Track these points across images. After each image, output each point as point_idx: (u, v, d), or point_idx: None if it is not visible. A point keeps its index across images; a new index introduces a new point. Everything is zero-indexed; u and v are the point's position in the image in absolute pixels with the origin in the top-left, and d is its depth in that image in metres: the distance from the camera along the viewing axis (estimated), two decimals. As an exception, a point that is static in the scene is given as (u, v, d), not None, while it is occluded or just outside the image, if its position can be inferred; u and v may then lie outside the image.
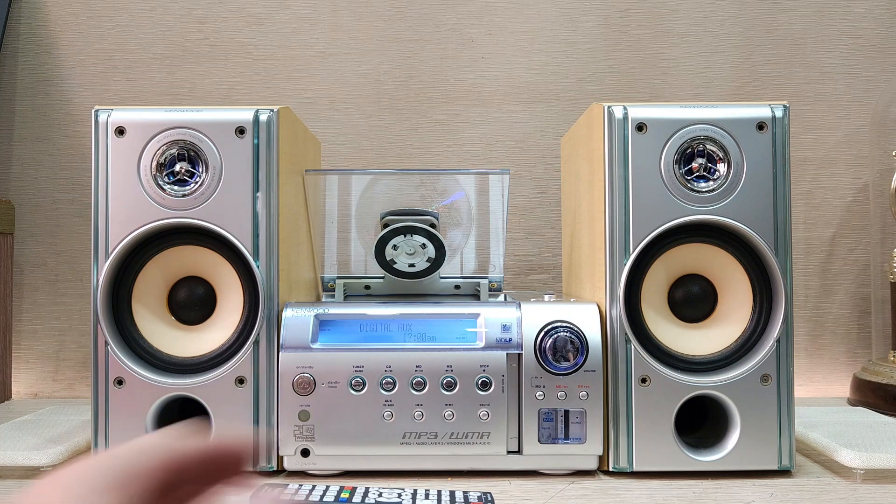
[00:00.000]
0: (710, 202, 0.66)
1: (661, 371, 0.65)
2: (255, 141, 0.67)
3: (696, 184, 0.66)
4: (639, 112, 0.67)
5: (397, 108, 1.10)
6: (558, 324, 0.66)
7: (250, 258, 0.66)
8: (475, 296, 0.85)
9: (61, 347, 1.09)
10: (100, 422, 0.66)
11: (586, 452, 0.66)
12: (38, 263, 1.09)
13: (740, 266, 0.67)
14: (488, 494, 0.56)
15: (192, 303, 0.69)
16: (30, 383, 1.09)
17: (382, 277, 0.85)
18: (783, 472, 0.66)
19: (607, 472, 0.66)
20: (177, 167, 0.67)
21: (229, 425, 0.66)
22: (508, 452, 0.66)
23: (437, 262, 0.83)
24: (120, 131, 0.66)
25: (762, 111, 0.67)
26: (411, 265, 0.84)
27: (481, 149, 1.10)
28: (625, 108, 0.67)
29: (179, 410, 0.68)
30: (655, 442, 0.65)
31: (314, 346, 0.66)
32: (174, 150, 0.67)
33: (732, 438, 0.65)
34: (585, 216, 0.76)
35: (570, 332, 0.65)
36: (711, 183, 0.66)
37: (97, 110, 0.67)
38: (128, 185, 0.66)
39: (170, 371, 0.66)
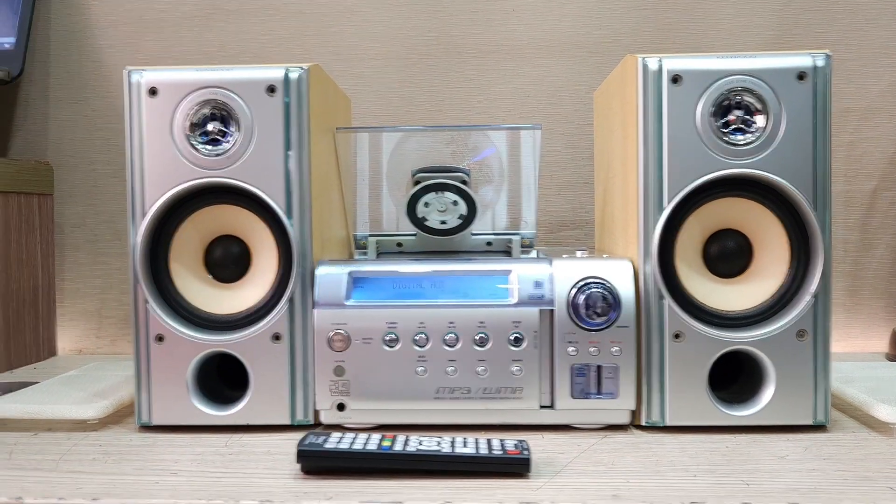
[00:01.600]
0: (747, 155, 0.65)
1: (694, 326, 0.65)
2: (286, 99, 0.67)
3: (732, 137, 0.65)
4: (674, 63, 0.65)
5: (427, 63, 1.09)
6: (591, 280, 0.66)
7: (283, 216, 0.67)
8: (507, 252, 0.85)
9: (103, 305, 1.12)
10: (142, 377, 0.68)
11: (619, 407, 0.66)
12: (77, 224, 1.12)
13: (777, 220, 0.66)
14: (524, 442, 0.57)
15: (228, 261, 0.70)
16: (74, 340, 1.12)
17: (414, 235, 0.86)
18: (818, 427, 0.66)
19: (640, 427, 0.67)
20: (209, 126, 0.67)
21: (267, 379, 0.67)
22: (541, 407, 0.67)
23: (468, 219, 0.83)
24: (152, 91, 0.67)
25: (803, 60, 0.65)
26: (443, 222, 0.84)
27: (512, 104, 1.09)
28: (660, 60, 0.65)
29: (218, 366, 0.70)
30: (688, 397, 0.65)
31: (348, 303, 0.67)
32: (206, 110, 0.67)
33: (767, 393, 0.65)
34: (619, 171, 0.75)
35: (603, 288, 0.65)
36: (749, 136, 0.65)
37: (129, 70, 0.68)
38: (162, 146, 0.67)
39: (208, 328, 0.68)
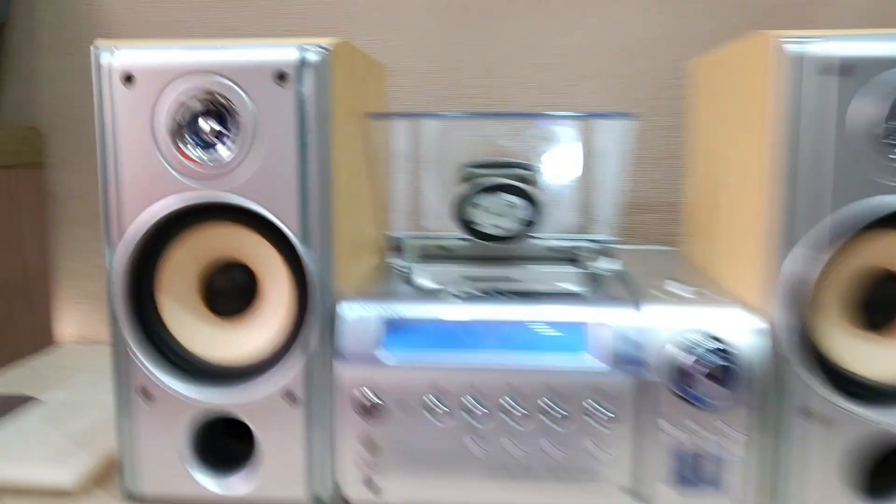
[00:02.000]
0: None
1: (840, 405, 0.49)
2: (300, 88, 0.50)
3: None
4: (831, 47, 0.47)
5: (473, 16, 0.90)
6: (704, 340, 0.50)
7: (298, 244, 0.51)
8: (573, 259, 0.69)
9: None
10: (126, 440, 0.54)
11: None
12: (76, 194, 0.97)
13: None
14: None
15: (231, 291, 0.55)
16: (76, 325, 1.00)
17: (462, 239, 0.70)
18: None
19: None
20: (201, 124, 0.51)
21: (279, 447, 0.53)
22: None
23: (529, 224, 0.67)
24: (128, 79, 0.51)
25: None
26: (496, 226, 0.68)
27: (580, 58, 0.90)
28: (802, 43, 0.47)
29: (222, 427, 0.56)
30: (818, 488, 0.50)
31: (378, 355, 0.52)
32: (197, 105, 0.51)
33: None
34: (735, 168, 0.58)
35: (720, 356, 0.49)
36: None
37: (98, 49, 0.52)
38: (142, 149, 0.51)
39: (206, 379, 0.54)
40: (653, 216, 0.92)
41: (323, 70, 0.50)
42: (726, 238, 0.59)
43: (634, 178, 0.91)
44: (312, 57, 0.50)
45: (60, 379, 0.79)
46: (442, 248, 0.71)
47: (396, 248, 0.72)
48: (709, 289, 0.56)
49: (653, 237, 0.92)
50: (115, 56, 0.51)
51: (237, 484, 0.54)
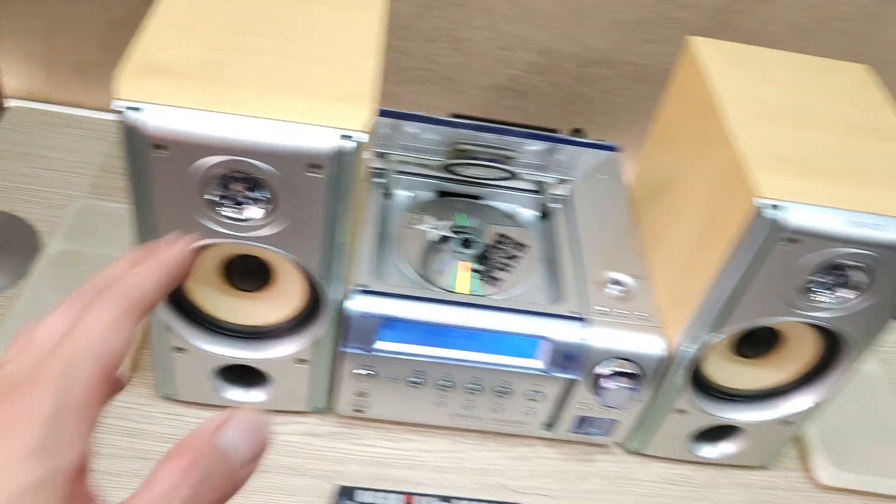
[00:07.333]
0: None
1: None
2: (336, 173, 0.53)
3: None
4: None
5: None
6: (623, 369, 0.66)
7: (320, 281, 0.60)
8: (538, 191, 0.79)
9: (51, 52, 0.95)
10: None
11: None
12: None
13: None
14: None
15: (249, 271, 0.64)
16: (21, 81, 0.98)
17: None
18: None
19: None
20: (232, 187, 0.54)
21: (286, 385, 0.69)
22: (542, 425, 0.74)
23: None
24: (158, 146, 0.51)
25: None
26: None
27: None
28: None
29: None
30: (668, 439, 0.74)
31: (376, 346, 0.66)
32: (230, 175, 0.53)
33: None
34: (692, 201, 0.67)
35: (634, 382, 0.66)
36: None
37: (124, 106, 0.50)
38: (174, 198, 0.54)
39: (228, 338, 0.66)
40: (611, 72, 0.96)
41: (353, 156, 0.53)
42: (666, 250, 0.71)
43: (604, 37, 0.93)
44: (349, 145, 0.52)
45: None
46: (420, 164, 0.78)
47: (379, 156, 0.77)
48: (642, 293, 0.70)
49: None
50: (143, 119, 0.50)
51: (254, 395, 0.71)
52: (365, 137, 0.52)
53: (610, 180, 0.83)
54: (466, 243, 0.73)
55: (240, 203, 0.55)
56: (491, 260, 0.73)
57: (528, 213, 0.79)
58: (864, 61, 0.71)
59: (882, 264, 0.57)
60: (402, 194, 0.78)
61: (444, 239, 0.74)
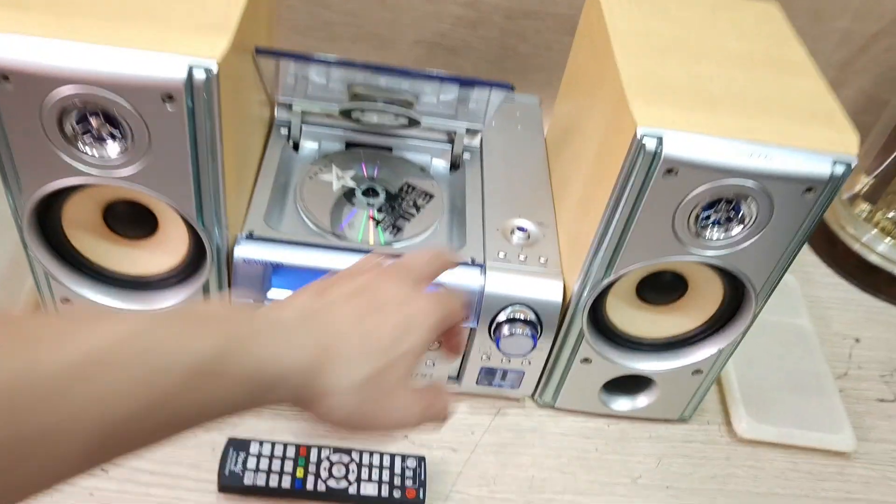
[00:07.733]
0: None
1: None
2: (190, 105, 0.51)
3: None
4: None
5: None
6: (519, 315, 0.64)
7: (196, 224, 0.58)
8: (451, 141, 0.77)
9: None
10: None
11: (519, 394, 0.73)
12: None
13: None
14: (424, 484, 0.65)
15: (131, 218, 0.62)
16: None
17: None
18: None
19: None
20: (92, 122, 0.52)
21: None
22: (449, 378, 0.72)
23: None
24: (4, 77, 0.50)
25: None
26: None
27: None
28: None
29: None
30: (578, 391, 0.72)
31: (267, 295, 0.64)
32: (84, 108, 0.52)
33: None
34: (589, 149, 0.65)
35: (531, 328, 0.64)
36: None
37: (-38, 34, 0.49)
38: (31, 136, 0.53)
39: (116, 288, 0.65)
40: (540, 24, 0.94)
41: (211, 86, 0.51)
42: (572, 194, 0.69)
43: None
44: (199, 75, 0.50)
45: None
46: (327, 114, 0.76)
47: (286, 107, 0.76)
48: (545, 239, 0.69)
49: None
50: (-15, 48, 0.49)
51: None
52: (215, 67, 0.50)
53: (528, 131, 0.81)
54: (369, 192, 0.72)
55: (102, 139, 0.53)
56: (395, 210, 0.71)
57: (440, 165, 0.78)
58: (776, -2, 0.69)
59: (772, 197, 0.55)
60: (310, 146, 0.76)
61: (350, 190, 0.72)
